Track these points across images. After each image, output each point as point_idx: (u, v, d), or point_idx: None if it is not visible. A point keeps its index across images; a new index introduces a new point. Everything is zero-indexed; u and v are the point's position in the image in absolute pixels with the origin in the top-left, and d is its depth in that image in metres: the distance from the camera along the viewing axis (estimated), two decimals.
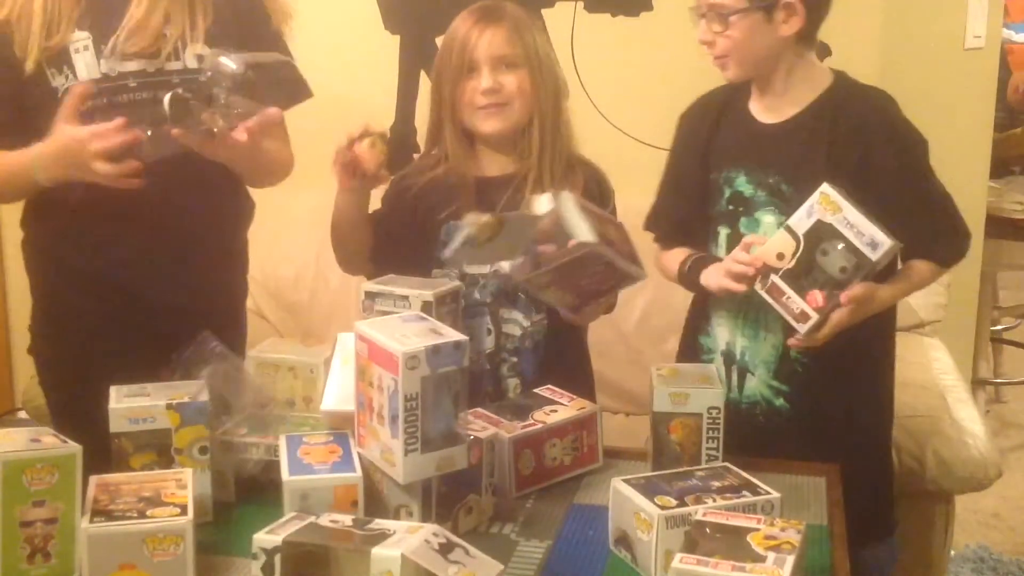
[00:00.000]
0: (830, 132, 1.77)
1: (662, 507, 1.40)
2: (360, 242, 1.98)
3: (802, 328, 1.70)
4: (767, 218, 1.81)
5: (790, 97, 1.82)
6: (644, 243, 2.14)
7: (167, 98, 1.69)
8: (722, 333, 1.89)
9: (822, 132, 1.78)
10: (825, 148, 1.76)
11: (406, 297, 1.71)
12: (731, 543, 1.28)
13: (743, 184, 1.83)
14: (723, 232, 1.86)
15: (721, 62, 1.81)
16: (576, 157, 1.98)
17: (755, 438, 1.77)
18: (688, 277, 1.88)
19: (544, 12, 2.94)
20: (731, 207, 1.84)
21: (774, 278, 1.71)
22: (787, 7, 1.73)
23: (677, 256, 1.92)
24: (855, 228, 1.66)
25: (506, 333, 1.94)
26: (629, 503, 1.45)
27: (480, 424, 1.59)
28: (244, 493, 1.61)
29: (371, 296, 1.75)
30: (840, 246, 1.67)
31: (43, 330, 1.99)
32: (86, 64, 1.78)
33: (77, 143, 1.68)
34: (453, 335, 1.46)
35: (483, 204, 1.90)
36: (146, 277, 1.87)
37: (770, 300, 1.72)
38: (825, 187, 1.68)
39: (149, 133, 1.69)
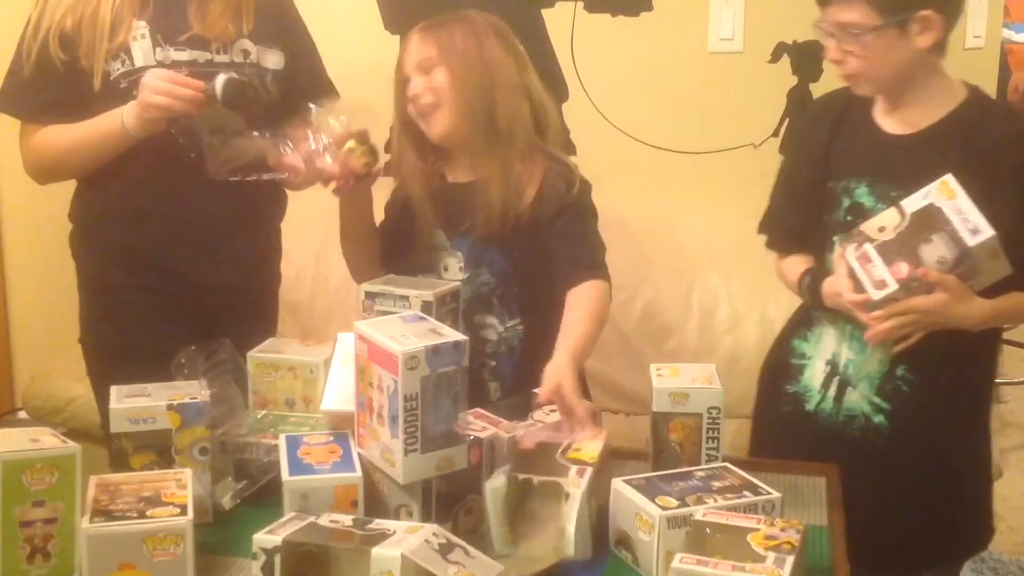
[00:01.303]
0: (963, 149, 1.71)
1: (663, 507, 1.40)
2: (369, 249, 1.99)
3: (876, 295, 1.65)
4: None
5: (920, 109, 1.75)
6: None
7: (220, 80, 1.78)
8: (828, 342, 1.85)
9: (955, 148, 1.72)
10: (956, 165, 1.68)
11: (406, 297, 1.71)
12: (731, 543, 1.28)
13: (864, 195, 1.77)
14: (839, 242, 1.79)
15: (853, 80, 1.75)
16: (541, 151, 1.93)
17: (846, 451, 1.75)
18: (809, 294, 1.84)
19: (544, 12, 2.95)
20: (849, 218, 1.78)
21: (867, 247, 1.67)
22: (923, 20, 1.67)
23: (796, 266, 1.88)
24: (962, 214, 1.61)
25: (483, 337, 1.93)
26: (630, 503, 1.44)
27: (480, 424, 1.59)
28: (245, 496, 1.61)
29: (371, 296, 1.75)
30: (944, 235, 1.62)
31: (92, 314, 2.06)
32: (143, 51, 1.88)
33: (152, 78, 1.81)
34: (453, 335, 1.46)
35: (450, 210, 1.92)
36: (188, 255, 1.97)
37: (855, 265, 1.68)
38: (948, 176, 1.64)
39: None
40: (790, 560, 1.24)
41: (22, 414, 3.13)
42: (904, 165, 1.74)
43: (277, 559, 1.29)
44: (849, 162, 1.80)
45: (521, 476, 1.49)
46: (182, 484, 1.43)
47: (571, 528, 1.44)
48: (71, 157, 1.93)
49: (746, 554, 1.25)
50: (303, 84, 2.02)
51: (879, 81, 1.74)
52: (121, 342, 2.01)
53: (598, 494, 1.51)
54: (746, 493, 1.46)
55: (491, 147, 1.89)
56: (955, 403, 1.82)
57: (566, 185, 1.91)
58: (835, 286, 1.75)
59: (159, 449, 1.53)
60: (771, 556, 1.25)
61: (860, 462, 1.75)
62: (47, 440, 1.40)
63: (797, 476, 1.70)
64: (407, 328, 1.48)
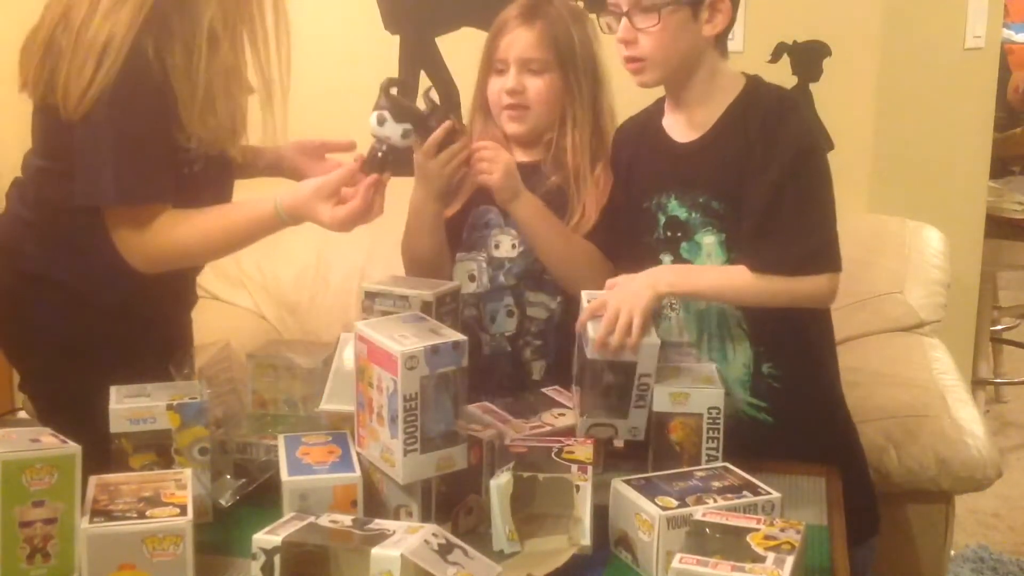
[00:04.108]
0: (744, 140, 1.72)
1: (663, 507, 1.40)
2: (435, 244, 1.93)
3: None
4: (707, 239, 1.76)
5: (703, 110, 1.77)
6: None
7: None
8: None
9: (737, 142, 1.73)
10: (741, 158, 1.71)
11: (406, 297, 1.71)
12: (731, 543, 1.28)
13: (676, 208, 1.78)
14: (666, 259, 1.81)
15: (637, 65, 1.74)
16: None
17: (748, 449, 1.76)
18: None
19: None
20: (669, 233, 1.79)
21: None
22: (713, 5, 1.69)
23: None
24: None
25: (530, 316, 1.94)
26: (630, 504, 1.45)
27: (488, 420, 1.59)
28: (244, 494, 1.61)
29: (371, 296, 1.74)
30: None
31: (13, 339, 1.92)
32: None
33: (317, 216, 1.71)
34: (452, 335, 1.46)
35: None
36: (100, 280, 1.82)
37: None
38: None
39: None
40: (790, 560, 1.24)
41: (22, 414, 3.13)
42: (698, 171, 1.75)
43: (277, 559, 1.29)
44: (653, 179, 1.81)
45: (526, 474, 1.49)
46: (182, 484, 1.43)
47: (586, 519, 1.45)
48: (214, 248, 1.80)
49: (746, 554, 1.25)
50: None
51: (664, 66, 1.73)
52: (45, 365, 1.87)
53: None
54: (746, 493, 1.46)
55: (577, 151, 1.91)
56: (818, 390, 1.84)
57: None
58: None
59: (159, 449, 1.53)
60: (771, 556, 1.25)
61: (762, 458, 1.74)
62: (47, 440, 1.40)
63: (797, 476, 1.70)
64: (407, 328, 1.48)
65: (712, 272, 1.75)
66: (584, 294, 1.70)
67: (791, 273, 1.69)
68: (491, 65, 1.93)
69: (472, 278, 1.96)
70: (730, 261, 1.75)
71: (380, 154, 1.71)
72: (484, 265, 1.96)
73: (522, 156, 1.95)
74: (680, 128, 1.81)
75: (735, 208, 1.72)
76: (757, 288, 1.69)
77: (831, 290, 1.72)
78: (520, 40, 1.90)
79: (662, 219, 1.80)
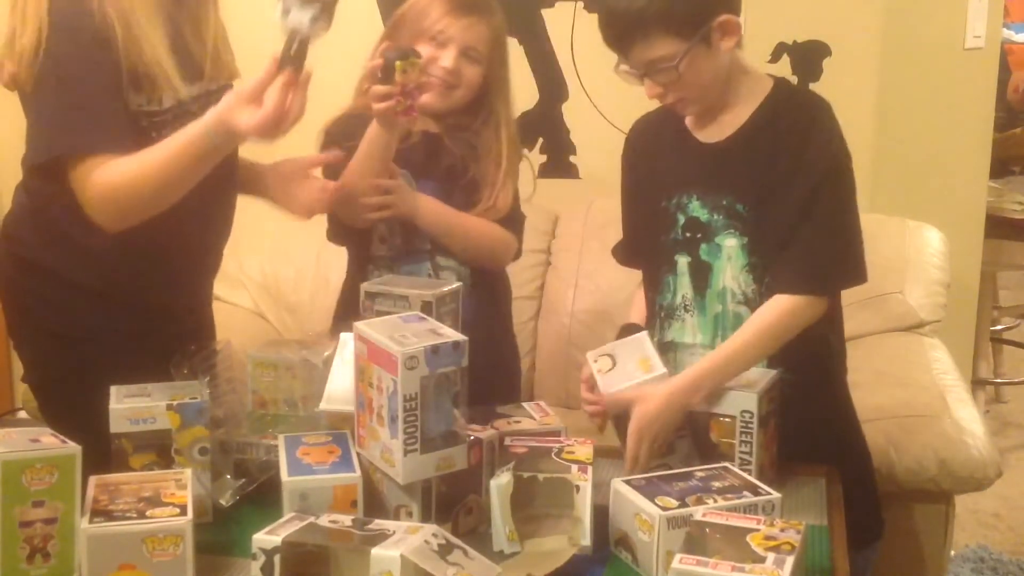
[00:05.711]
0: (772, 145, 1.71)
1: (663, 508, 1.40)
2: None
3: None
4: (729, 242, 1.73)
5: (730, 111, 1.76)
6: None
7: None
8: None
9: (766, 145, 1.72)
10: (770, 161, 1.70)
11: (406, 297, 1.71)
12: (731, 543, 1.28)
13: (697, 208, 1.76)
14: (682, 260, 1.78)
15: (680, 106, 1.75)
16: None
17: None
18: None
19: (544, 12, 2.95)
20: (688, 234, 1.77)
21: (597, 376, 1.74)
22: (721, 26, 1.67)
23: (633, 310, 1.92)
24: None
25: (443, 280, 1.95)
26: (630, 504, 1.44)
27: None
28: (244, 493, 1.61)
29: (371, 296, 1.75)
30: None
31: (21, 331, 1.94)
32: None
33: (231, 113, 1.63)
34: (452, 335, 1.46)
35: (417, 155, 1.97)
36: (115, 272, 1.83)
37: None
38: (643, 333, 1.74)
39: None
40: (790, 560, 1.24)
41: (22, 414, 3.13)
42: (724, 173, 1.74)
43: (277, 559, 1.29)
44: (675, 178, 1.79)
45: (526, 474, 1.49)
46: (182, 484, 1.43)
47: (587, 519, 1.45)
48: (158, 181, 1.69)
49: (746, 554, 1.25)
50: None
51: (702, 99, 1.74)
52: (52, 360, 1.88)
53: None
54: (746, 493, 1.46)
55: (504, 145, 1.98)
56: (827, 397, 1.84)
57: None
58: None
59: (159, 449, 1.53)
60: (771, 556, 1.25)
61: None
62: (47, 440, 1.40)
63: (797, 476, 1.70)
64: (407, 328, 1.48)
65: (716, 364, 1.68)
66: (589, 355, 1.76)
67: (815, 293, 1.69)
68: (423, 32, 1.93)
69: (383, 239, 1.97)
70: (751, 265, 1.73)
71: (293, 49, 1.58)
72: (396, 227, 1.97)
73: (430, 125, 1.97)
74: (705, 128, 1.79)
75: (759, 212, 1.71)
76: (759, 349, 1.69)
77: (818, 312, 1.71)
78: (473, 29, 1.92)
79: (681, 219, 1.78)
